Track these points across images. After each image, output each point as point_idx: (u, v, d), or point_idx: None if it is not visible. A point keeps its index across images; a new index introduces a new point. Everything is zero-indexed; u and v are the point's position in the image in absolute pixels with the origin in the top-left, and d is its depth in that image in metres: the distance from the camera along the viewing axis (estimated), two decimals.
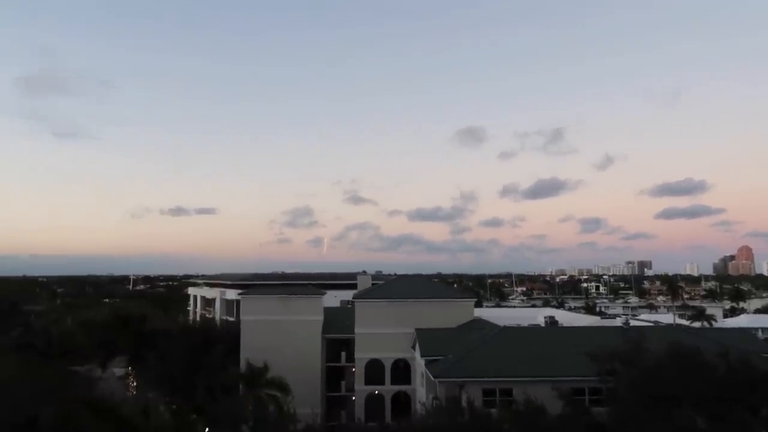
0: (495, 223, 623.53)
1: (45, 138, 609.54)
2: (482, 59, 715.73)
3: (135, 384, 58.23)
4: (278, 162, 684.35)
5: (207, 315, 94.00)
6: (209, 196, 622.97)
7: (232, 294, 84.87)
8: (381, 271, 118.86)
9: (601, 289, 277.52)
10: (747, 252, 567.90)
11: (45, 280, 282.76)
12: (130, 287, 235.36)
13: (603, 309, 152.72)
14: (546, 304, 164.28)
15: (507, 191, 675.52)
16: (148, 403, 35.77)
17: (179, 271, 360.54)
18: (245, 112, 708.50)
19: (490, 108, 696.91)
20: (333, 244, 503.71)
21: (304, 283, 71.49)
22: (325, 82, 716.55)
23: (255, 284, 77.01)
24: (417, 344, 46.13)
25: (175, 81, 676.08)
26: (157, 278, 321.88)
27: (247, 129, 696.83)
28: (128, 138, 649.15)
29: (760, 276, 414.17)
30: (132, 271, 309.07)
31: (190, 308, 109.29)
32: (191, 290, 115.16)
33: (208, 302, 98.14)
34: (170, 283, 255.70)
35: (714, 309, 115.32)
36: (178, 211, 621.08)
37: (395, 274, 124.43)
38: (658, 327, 53.06)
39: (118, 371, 65.68)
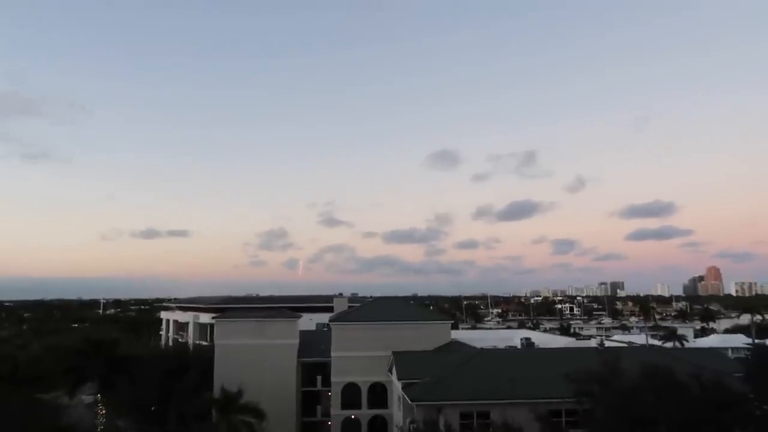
0: (470, 244, 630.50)
1: (14, 160, 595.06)
2: (455, 82, 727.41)
3: (104, 411, 56.46)
4: (252, 184, 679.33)
5: (180, 339, 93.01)
6: (182, 218, 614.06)
7: (205, 318, 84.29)
8: (357, 294, 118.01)
9: (575, 310, 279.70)
10: (715, 272, 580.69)
11: (11, 304, 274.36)
12: (101, 311, 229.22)
13: (577, 330, 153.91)
14: (521, 325, 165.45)
15: (481, 213, 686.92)
16: (117, 431, 34.60)
17: (151, 295, 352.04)
18: (217, 134, 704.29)
19: (463, 131, 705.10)
20: (308, 266, 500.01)
21: (279, 307, 71.75)
22: (298, 105, 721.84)
23: (229, 307, 76.25)
24: (394, 367, 45.61)
25: (148, 104, 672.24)
26: (129, 302, 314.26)
27: (220, 151, 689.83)
28: (99, 160, 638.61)
29: (729, 296, 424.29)
30: (102, 294, 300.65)
31: (163, 333, 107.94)
32: (164, 314, 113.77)
33: (181, 326, 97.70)
34: (142, 306, 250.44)
35: (685, 329, 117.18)
36: (150, 234, 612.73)
37: (371, 297, 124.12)
38: (632, 348, 53.51)
39: (87, 398, 63.67)
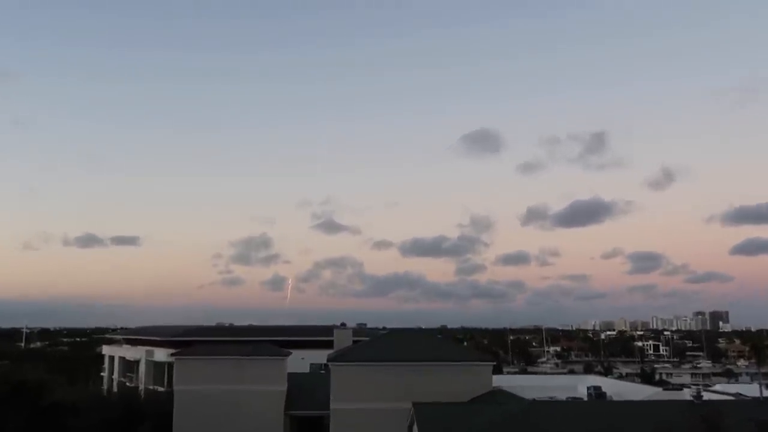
0: (518, 259, 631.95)
1: None
2: (491, 39, 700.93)
3: None
4: (224, 174, 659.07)
5: (128, 383, 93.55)
6: (131, 221, 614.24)
7: (162, 354, 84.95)
8: (365, 324, 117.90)
9: (662, 349, 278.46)
10: None
11: None
12: (22, 344, 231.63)
13: (665, 376, 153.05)
14: (588, 369, 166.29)
15: (533, 216, 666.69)
16: None
17: (90, 323, 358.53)
18: (177, 106, 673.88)
19: (506, 105, 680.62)
20: (299, 286, 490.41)
21: (260, 340, 70.10)
22: (288, 65, 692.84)
23: (193, 341, 76.06)
24: (415, 425, 44.64)
25: (84, 66, 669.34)
26: (60, 332, 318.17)
27: (181, 129, 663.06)
28: (16, 139, 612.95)
29: None
30: (24, 322, 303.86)
31: (105, 374, 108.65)
32: (106, 349, 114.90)
33: (130, 365, 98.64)
34: (77, 339, 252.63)
35: None
36: (88, 241, 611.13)
37: (384, 328, 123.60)
38: (740, 401, 52.82)
39: None
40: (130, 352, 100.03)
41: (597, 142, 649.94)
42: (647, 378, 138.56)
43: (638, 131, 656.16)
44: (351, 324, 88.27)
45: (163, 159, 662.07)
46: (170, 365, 65.68)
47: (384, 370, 49.99)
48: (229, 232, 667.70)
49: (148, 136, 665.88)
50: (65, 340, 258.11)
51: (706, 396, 63.12)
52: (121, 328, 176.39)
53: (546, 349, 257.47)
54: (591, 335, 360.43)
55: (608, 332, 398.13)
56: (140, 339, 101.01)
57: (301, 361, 69.45)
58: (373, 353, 52.66)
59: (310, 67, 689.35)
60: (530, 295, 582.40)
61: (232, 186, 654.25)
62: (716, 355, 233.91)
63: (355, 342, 62.23)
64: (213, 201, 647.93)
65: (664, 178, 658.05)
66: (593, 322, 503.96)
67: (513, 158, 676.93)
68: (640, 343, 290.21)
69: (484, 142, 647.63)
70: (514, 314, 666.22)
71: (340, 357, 53.03)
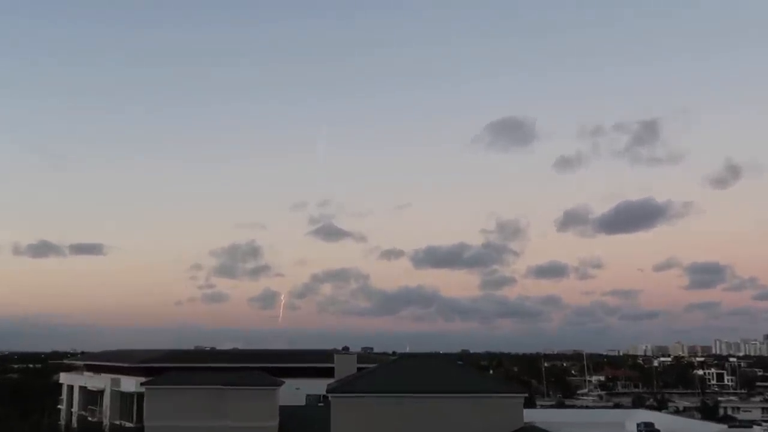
0: (554, 271, 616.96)
1: None
2: (526, 15, 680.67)
3: None
4: (204, 171, 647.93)
5: (90, 417, 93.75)
6: (93, 226, 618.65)
7: (130, 384, 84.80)
8: (371, 348, 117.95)
9: (727, 378, 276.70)
10: None
11: None
12: None
13: (731, 411, 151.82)
14: (639, 402, 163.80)
15: (572, 220, 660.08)
16: None
17: (45, 346, 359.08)
18: (144, 88, 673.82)
19: (539, 88, 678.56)
20: (294, 303, 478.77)
21: (247, 367, 70.14)
22: (278, 40, 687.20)
23: (168, 368, 74.34)
24: None
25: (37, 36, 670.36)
26: (10, 357, 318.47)
27: (150, 116, 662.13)
28: None
29: None
30: None
31: (63, 406, 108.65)
32: (64, 377, 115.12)
33: (92, 396, 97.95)
34: (30, 365, 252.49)
35: None
36: (43, 250, 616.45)
37: (395, 353, 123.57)
38: None
39: None
40: (93, 381, 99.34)
41: (648, 133, 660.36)
42: (709, 413, 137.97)
43: (697, 119, 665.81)
44: (355, 348, 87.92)
45: (131, 154, 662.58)
46: (140, 396, 66.06)
47: (394, 404, 49.07)
48: (210, 240, 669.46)
49: (113, 126, 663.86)
50: (15, 366, 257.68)
51: None
52: (82, 353, 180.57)
53: (587, 378, 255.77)
54: (641, 362, 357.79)
55: (662, 358, 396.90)
56: (104, 365, 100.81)
57: (295, 391, 69.13)
58: (382, 383, 51.96)
59: (304, 42, 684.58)
60: (568, 314, 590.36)
61: (213, 185, 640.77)
62: None
63: (359, 369, 61.92)
64: (191, 203, 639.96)
65: (729, 175, 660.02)
66: (644, 347, 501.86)
67: (548, 152, 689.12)
68: (700, 372, 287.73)
69: (513, 132, 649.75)
70: (550, 337, 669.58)
71: (342, 387, 52.32)
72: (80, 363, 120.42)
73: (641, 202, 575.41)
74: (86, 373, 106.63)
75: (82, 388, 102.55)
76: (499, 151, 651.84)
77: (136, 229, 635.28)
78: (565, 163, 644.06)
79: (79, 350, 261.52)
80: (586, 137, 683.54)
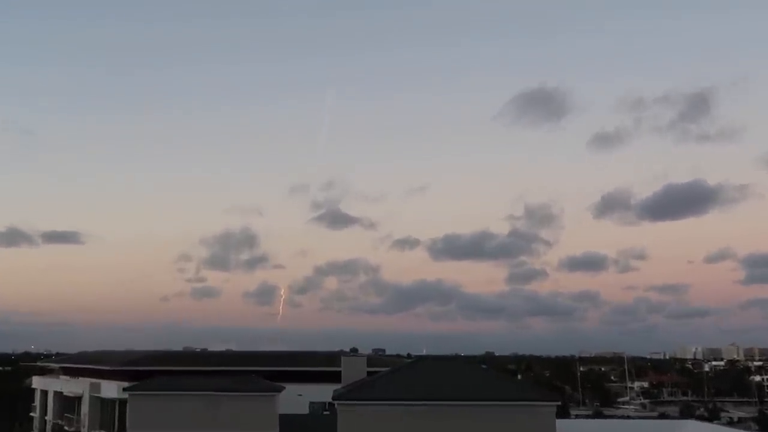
0: (590, 263, 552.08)
1: None
2: None
3: None
4: (191, 149, 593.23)
5: (66, 426, 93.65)
6: (69, 212, 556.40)
7: (111, 389, 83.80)
8: (383, 350, 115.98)
9: None
10: None
11: None
12: None
13: None
14: (687, 411, 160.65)
15: (610, 206, 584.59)
16: None
17: (15, 346, 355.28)
18: (124, 53, 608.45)
19: (573, 55, 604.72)
20: (295, 299, 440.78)
21: (243, 371, 72.13)
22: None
23: (153, 371, 74.76)
24: None
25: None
26: None
27: (131, 89, 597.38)
28: None
29: None
30: None
31: (36, 414, 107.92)
32: (37, 381, 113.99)
33: (69, 403, 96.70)
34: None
35: None
36: (12, 238, 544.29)
37: (410, 355, 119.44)
38: None
39: None
40: (69, 386, 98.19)
41: (699, 106, 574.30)
42: None
43: (755, 90, 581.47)
44: (365, 349, 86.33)
45: (109, 130, 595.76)
46: (122, 403, 65.60)
47: (408, 413, 47.51)
48: (200, 227, 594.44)
49: (87, 99, 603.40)
50: None
51: None
52: (58, 354, 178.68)
53: (629, 384, 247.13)
54: (690, 366, 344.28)
55: (714, 362, 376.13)
56: (82, 368, 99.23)
57: (297, 398, 69.00)
58: (395, 389, 50.19)
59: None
60: (607, 312, 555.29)
61: (202, 164, 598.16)
62: None
63: (370, 374, 61.27)
64: (178, 185, 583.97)
65: None
66: (693, 349, 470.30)
67: (583, 127, 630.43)
68: (758, 378, 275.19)
69: (543, 105, 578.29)
70: (586, 337, 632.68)
71: (350, 394, 50.34)
72: (55, 366, 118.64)
73: (690, 184, 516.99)
74: (62, 377, 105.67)
75: (58, 394, 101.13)
76: (528, 126, 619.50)
77: (116, 215, 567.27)
78: (602, 141, 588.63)
79: (53, 351, 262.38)
80: (627, 111, 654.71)
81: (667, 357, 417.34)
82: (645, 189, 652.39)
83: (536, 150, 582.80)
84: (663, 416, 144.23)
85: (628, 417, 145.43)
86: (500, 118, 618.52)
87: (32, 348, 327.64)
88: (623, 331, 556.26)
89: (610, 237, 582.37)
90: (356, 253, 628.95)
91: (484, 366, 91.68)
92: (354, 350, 74.22)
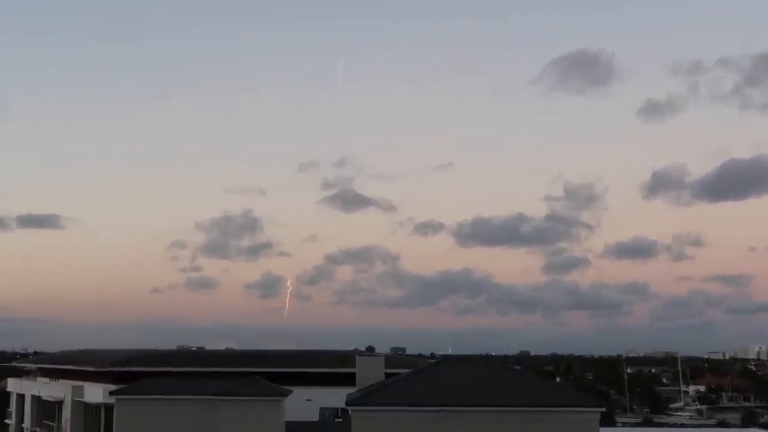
0: (638, 249, 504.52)
1: None
2: None
3: None
4: (184, 124, 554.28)
5: None
6: (45, 194, 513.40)
7: (96, 393, 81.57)
8: (404, 349, 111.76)
9: None
10: None
11: None
12: None
13: None
14: (750, 419, 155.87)
15: (662, 184, 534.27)
16: None
17: None
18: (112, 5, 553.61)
19: (620, 14, 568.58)
20: (303, 291, 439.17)
21: (245, 372, 69.56)
22: None
23: (144, 373, 72.20)
24: None
25: None
26: None
27: (115, 52, 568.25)
28: None
29: None
30: None
31: (11, 420, 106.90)
32: (13, 384, 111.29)
33: (49, 408, 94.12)
34: None
35: None
36: None
37: (434, 356, 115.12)
38: None
39: None
40: (49, 389, 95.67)
41: (763, 70, 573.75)
42: None
43: None
44: (382, 348, 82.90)
45: (92, 100, 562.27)
46: (109, 408, 65.92)
47: (432, 420, 45.68)
48: (195, 210, 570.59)
49: (66, 63, 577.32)
50: None
51: None
52: (36, 354, 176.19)
53: (683, 388, 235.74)
54: (753, 367, 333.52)
55: None
56: (64, 369, 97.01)
57: (306, 403, 68.49)
58: (416, 393, 48.82)
59: None
60: (658, 306, 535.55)
61: (198, 139, 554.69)
62: None
63: (388, 376, 59.42)
64: (171, 162, 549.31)
65: None
66: (757, 348, 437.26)
67: (632, 95, 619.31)
68: None
69: (586, 70, 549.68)
70: (634, 335, 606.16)
71: (365, 399, 49.26)
72: (33, 366, 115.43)
73: (753, 160, 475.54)
74: (41, 380, 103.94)
75: (36, 398, 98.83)
76: (568, 94, 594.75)
77: (101, 197, 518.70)
78: (653, 110, 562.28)
79: (31, 350, 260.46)
80: (682, 76, 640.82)
81: (727, 357, 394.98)
82: (702, 165, 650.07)
83: (578, 121, 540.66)
84: (722, 424, 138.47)
85: (682, 425, 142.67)
86: (537, 85, 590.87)
87: (7, 347, 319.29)
88: (676, 327, 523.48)
89: (661, 220, 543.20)
90: (372, 240, 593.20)
91: (517, 367, 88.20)
92: (370, 349, 74.04)
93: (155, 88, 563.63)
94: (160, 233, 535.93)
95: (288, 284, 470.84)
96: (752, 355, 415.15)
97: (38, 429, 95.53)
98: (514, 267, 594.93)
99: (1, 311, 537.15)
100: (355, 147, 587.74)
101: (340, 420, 61.49)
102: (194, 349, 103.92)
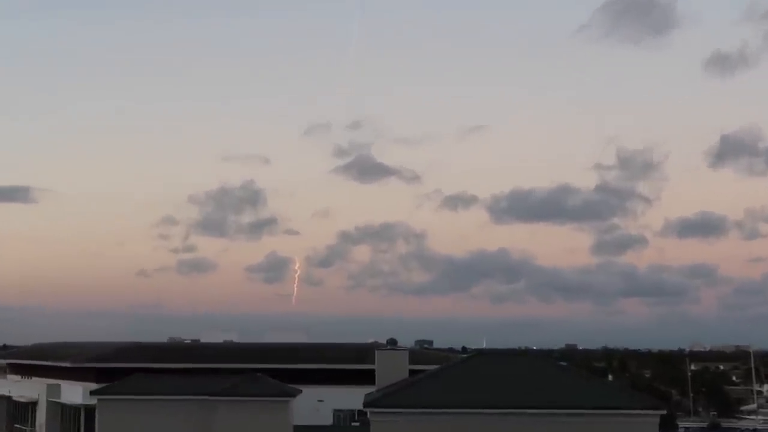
0: (705, 227, 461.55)
1: None
2: None
3: None
4: (175, 80, 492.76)
5: None
6: (14, 163, 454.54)
7: (74, 392, 79.78)
8: (431, 342, 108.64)
9: None
10: None
11: None
12: None
13: None
14: None
15: (732, 150, 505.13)
16: None
17: None
18: None
19: None
20: (314, 275, 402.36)
21: (246, 369, 66.95)
22: None
23: (129, 369, 70.79)
24: None
25: None
26: None
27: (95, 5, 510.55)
28: None
29: None
30: None
31: None
32: None
33: (21, 410, 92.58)
34: None
35: None
36: None
37: (465, 349, 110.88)
38: None
39: None
40: (21, 388, 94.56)
41: None
42: None
43: None
44: (406, 341, 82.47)
45: (68, 57, 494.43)
46: (89, 410, 65.85)
47: (463, 424, 44.73)
48: (188, 181, 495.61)
49: (44, 19, 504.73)
50: None
51: None
52: (5, 348, 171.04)
53: (756, 387, 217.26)
54: None
55: None
56: (37, 365, 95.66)
57: (317, 405, 67.48)
58: (444, 393, 48.08)
59: None
60: (727, 292, 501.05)
61: (191, 98, 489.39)
62: None
63: (412, 373, 57.79)
64: (159, 126, 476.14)
65: None
66: None
67: (696, 45, 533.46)
68: None
69: (643, 15, 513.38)
70: (699, 326, 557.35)
71: (386, 400, 47.80)
72: (2, 362, 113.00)
73: None
74: (11, 377, 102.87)
75: (5, 399, 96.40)
76: (622, 44, 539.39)
77: (79, 166, 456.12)
78: (722, 63, 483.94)
79: (0, 343, 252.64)
80: (757, 23, 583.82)
81: None
82: None
83: (633, 76, 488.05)
84: None
85: (755, 431, 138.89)
86: (585, 32, 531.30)
87: None
88: (749, 317, 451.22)
89: (731, 192, 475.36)
90: (394, 215, 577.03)
91: (563, 363, 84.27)
92: (392, 342, 71.48)
93: (140, 34, 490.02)
94: (147, 207, 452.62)
95: (296, 267, 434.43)
96: None
97: None
98: (559, 247, 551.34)
99: None
100: (372, 107, 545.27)
101: (357, 424, 61.09)
102: (188, 341, 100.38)
